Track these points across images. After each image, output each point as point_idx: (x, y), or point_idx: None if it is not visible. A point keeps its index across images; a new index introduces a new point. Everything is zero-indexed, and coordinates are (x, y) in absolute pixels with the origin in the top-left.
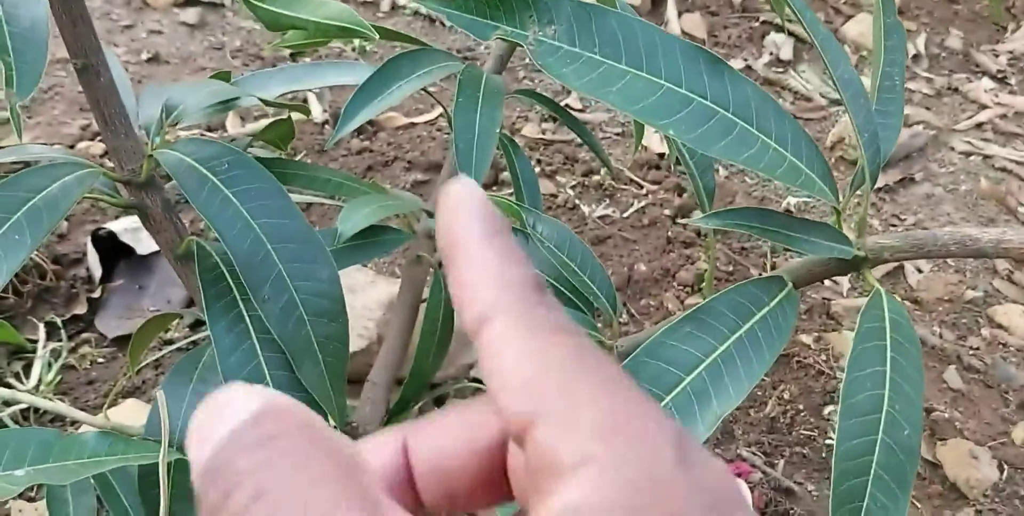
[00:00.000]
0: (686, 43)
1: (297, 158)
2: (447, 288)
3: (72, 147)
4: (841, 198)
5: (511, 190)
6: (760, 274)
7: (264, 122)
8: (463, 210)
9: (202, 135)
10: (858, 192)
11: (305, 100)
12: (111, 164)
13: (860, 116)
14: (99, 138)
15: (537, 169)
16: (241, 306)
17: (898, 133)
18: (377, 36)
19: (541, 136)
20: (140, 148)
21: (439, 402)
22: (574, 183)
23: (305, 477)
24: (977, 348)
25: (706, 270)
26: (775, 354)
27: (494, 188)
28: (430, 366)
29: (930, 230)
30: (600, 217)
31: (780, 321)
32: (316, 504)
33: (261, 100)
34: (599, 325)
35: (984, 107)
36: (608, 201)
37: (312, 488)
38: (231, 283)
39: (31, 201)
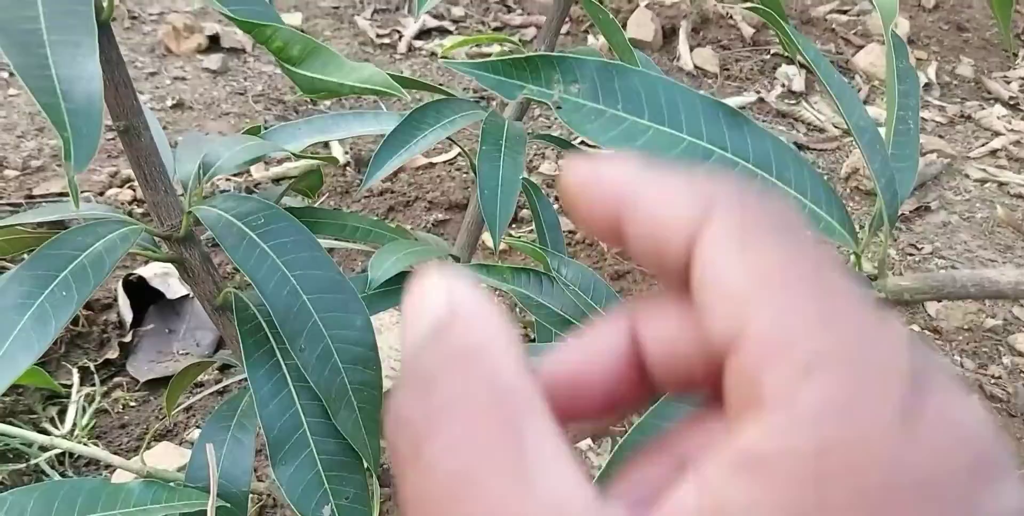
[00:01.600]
0: (706, 98)
1: (321, 200)
2: None
3: (102, 194)
4: (859, 230)
5: (531, 227)
6: None
7: (287, 166)
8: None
9: (227, 179)
10: (878, 231)
11: (326, 144)
12: (140, 211)
13: (877, 162)
14: (128, 185)
15: (555, 206)
16: (278, 355)
17: (915, 175)
18: (408, 97)
19: (558, 173)
20: (179, 204)
21: None
22: None
23: (459, 417)
24: (999, 377)
25: None
26: None
27: (513, 226)
28: None
29: (949, 272)
30: (618, 252)
31: None
32: (465, 447)
33: (292, 153)
34: None
35: (997, 134)
36: None
37: (465, 432)
38: (268, 333)
39: (77, 259)
